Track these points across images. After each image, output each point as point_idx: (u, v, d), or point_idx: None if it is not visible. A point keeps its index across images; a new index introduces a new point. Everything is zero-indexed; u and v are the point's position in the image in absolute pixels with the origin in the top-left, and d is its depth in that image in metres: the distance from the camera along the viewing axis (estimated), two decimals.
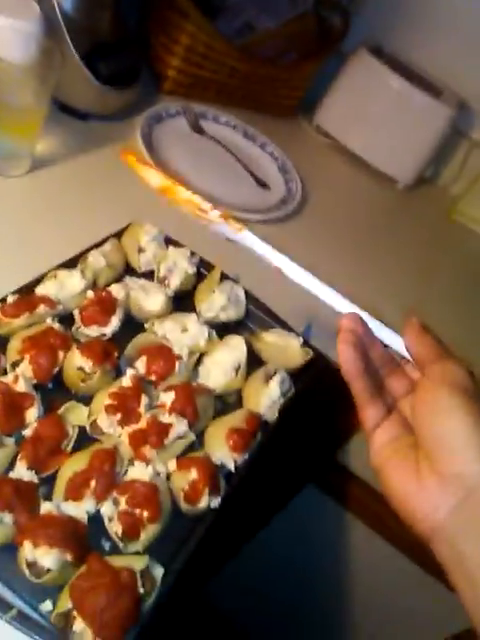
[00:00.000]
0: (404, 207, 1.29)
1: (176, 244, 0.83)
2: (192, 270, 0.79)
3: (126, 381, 0.63)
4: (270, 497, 0.99)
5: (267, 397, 0.70)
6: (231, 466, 0.64)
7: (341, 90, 1.28)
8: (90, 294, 0.69)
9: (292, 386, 0.74)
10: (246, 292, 0.82)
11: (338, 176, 1.28)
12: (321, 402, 0.92)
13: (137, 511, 0.55)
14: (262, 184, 1.11)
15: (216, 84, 1.19)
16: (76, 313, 0.69)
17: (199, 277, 0.82)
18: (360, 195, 1.26)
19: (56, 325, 0.65)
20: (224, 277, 0.82)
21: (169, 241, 0.83)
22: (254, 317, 0.83)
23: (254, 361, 0.76)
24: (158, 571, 0.53)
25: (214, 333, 0.75)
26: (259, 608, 1.28)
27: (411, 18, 1.25)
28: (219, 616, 1.30)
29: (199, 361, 0.73)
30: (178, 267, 0.79)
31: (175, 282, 0.78)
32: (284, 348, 0.78)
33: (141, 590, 0.51)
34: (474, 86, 1.25)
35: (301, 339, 0.78)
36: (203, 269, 0.83)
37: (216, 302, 0.77)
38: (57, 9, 0.90)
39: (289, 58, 1.25)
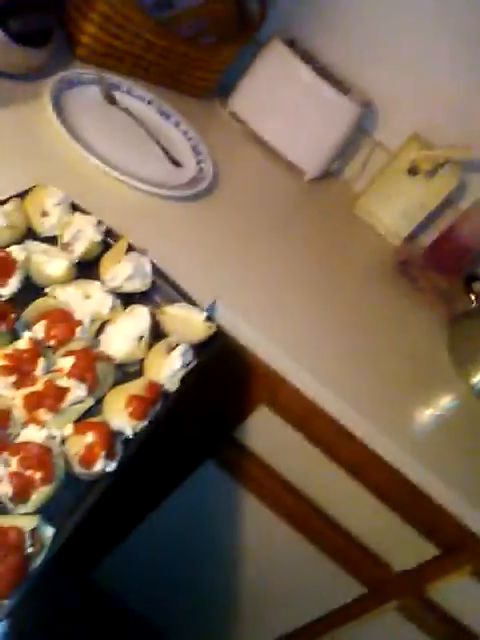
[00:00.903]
0: (310, 198, 1.33)
1: (83, 211, 0.81)
2: (98, 238, 0.78)
3: (23, 343, 0.62)
4: (168, 470, 1.00)
5: (168, 367, 0.71)
6: (129, 432, 0.64)
7: (255, 78, 1.30)
8: None
9: (194, 358, 0.75)
10: (153, 265, 0.82)
11: (250, 162, 1.30)
12: (221, 378, 0.94)
13: (29, 472, 0.54)
14: (174, 161, 1.11)
15: (132, 57, 1.17)
16: None
17: (105, 247, 0.81)
18: (269, 182, 1.29)
19: None
20: (131, 249, 0.82)
21: (75, 208, 0.82)
22: (160, 290, 0.83)
23: (157, 334, 0.77)
24: (48, 531, 0.53)
25: (119, 302, 0.75)
26: (152, 586, 1.29)
27: (325, 15, 1.30)
28: (108, 596, 1.30)
29: (101, 330, 0.72)
30: (84, 234, 0.77)
31: (79, 248, 0.76)
32: (187, 321, 0.79)
33: (30, 549, 0.50)
34: (379, 87, 1.32)
35: (205, 314, 0.80)
36: (110, 239, 0.82)
37: (121, 272, 0.77)
38: None
39: (208, 41, 1.25)
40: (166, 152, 1.10)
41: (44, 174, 0.85)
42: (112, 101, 1.12)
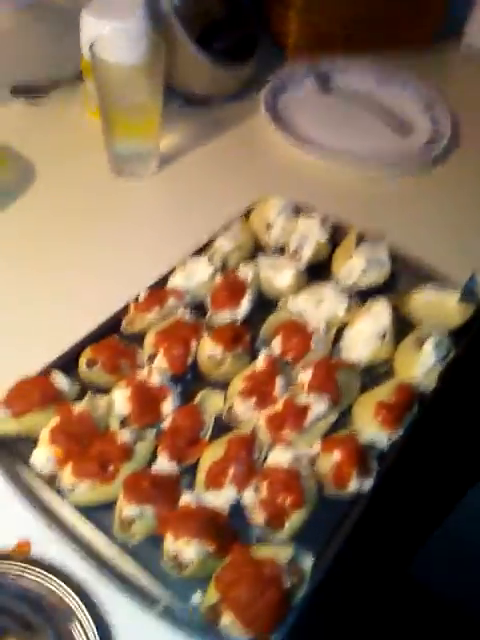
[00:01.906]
0: None
1: (306, 213, 0.78)
2: (325, 238, 0.74)
3: (259, 363, 0.61)
4: (456, 470, 0.89)
5: (420, 364, 0.63)
6: (383, 444, 0.58)
7: None
8: (218, 279, 0.68)
9: (452, 349, 0.65)
10: (390, 251, 0.74)
11: None
12: None
13: (279, 498, 0.52)
14: (404, 130, 1.00)
15: (342, 35, 1.10)
16: (207, 300, 0.68)
17: (335, 243, 0.76)
18: None
19: (186, 315, 0.65)
20: (362, 239, 0.75)
21: (300, 212, 0.79)
22: (402, 277, 0.75)
23: (407, 326, 0.69)
24: (307, 562, 0.50)
25: (355, 301, 0.69)
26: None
27: None
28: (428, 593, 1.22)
29: (341, 334, 0.67)
30: (309, 237, 0.74)
31: (307, 253, 0.73)
32: (439, 307, 0.69)
33: (288, 583, 0.48)
34: None
35: (459, 294, 0.68)
36: (339, 234, 0.77)
37: (355, 267, 0.71)
38: (166, 1, 0.90)
39: None
40: (393, 123, 1.00)
41: (268, 186, 0.85)
42: (328, 88, 1.07)
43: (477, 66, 1.14)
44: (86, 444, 0.55)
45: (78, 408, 0.56)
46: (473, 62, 1.15)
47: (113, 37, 0.78)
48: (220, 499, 0.52)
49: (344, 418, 0.61)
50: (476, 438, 0.91)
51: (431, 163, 0.93)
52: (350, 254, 0.73)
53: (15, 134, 0.89)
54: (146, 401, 0.57)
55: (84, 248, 0.78)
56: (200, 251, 0.73)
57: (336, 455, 0.54)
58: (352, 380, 0.62)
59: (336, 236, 0.76)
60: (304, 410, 0.57)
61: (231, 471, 0.53)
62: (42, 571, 0.51)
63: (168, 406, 0.58)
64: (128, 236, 0.80)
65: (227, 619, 0.47)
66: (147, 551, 0.51)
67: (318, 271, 0.74)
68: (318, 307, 0.67)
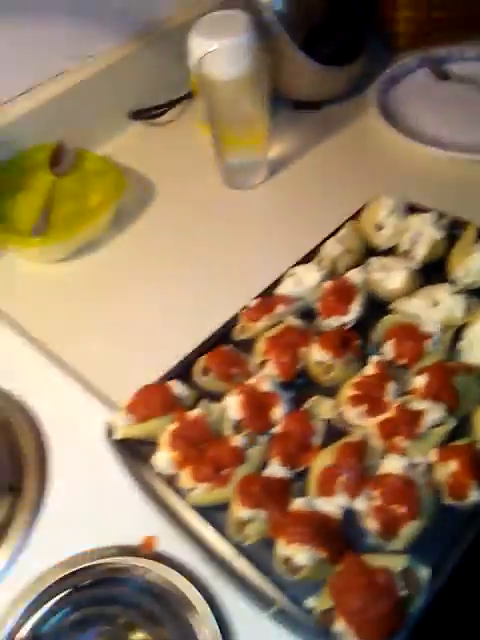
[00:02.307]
0: None
1: (420, 210, 0.75)
2: (440, 235, 0.71)
3: (370, 369, 0.60)
4: None
5: None
6: None
7: None
8: (327, 285, 0.68)
9: None
10: None
11: None
12: None
13: (393, 507, 0.51)
14: None
15: (454, 19, 1.04)
16: (317, 306, 0.68)
17: (452, 240, 0.73)
18: None
19: (295, 322, 0.65)
20: None
21: (413, 209, 0.76)
22: None
23: None
24: (423, 572, 0.48)
25: (474, 301, 0.66)
26: None
27: None
28: None
29: (460, 336, 0.64)
30: (423, 235, 0.71)
31: (421, 252, 0.70)
32: None
33: (403, 592, 0.47)
34: None
35: None
36: (456, 230, 0.73)
37: (474, 265, 0.68)
38: (269, 10, 0.91)
39: None
40: None
41: (382, 185, 0.83)
42: (444, 76, 1.02)
43: None
44: (202, 448, 0.57)
45: (194, 414, 0.59)
46: None
47: (218, 54, 0.81)
48: (331, 505, 0.52)
49: (464, 426, 0.58)
50: None
51: None
52: (468, 251, 0.69)
53: (135, 156, 0.95)
54: (257, 407, 0.59)
55: (199, 260, 0.81)
56: (309, 257, 0.74)
57: (453, 465, 0.52)
58: (472, 385, 0.59)
59: (453, 233, 0.73)
60: (418, 416, 0.55)
61: (342, 478, 0.53)
62: (166, 567, 0.54)
63: (279, 412, 0.59)
64: (240, 245, 0.82)
65: (340, 625, 0.47)
66: (263, 553, 0.52)
67: (434, 271, 0.71)
68: (434, 308, 0.65)
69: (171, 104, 1.01)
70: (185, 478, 0.56)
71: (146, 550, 0.55)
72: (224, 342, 0.66)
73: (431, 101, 0.99)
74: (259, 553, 0.52)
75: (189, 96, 0.98)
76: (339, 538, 0.51)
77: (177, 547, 0.54)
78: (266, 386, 0.60)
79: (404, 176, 0.87)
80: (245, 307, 0.68)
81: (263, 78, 0.79)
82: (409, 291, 0.68)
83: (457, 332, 0.64)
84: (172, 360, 0.65)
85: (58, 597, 0.53)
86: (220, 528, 0.54)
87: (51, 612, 0.52)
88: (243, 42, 0.86)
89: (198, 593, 0.52)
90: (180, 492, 0.56)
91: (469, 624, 0.50)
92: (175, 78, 0.96)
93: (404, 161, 0.89)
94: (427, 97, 1.00)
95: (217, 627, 0.49)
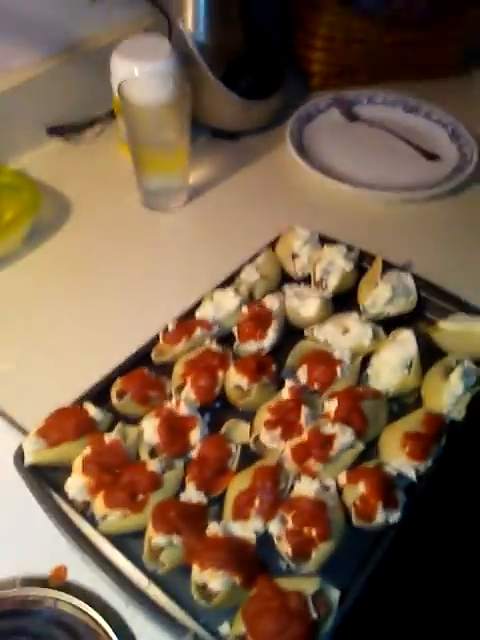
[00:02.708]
0: None
1: (332, 242, 0.79)
2: (350, 267, 0.75)
3: (285, 393, 0.62)
4: None
5: (448, 393, 0.63)
6: (412, 475, 0.58)
7: None
8: (245, 310, 0.69)
9: None
10: (417, 279, 0.75)
11: None
12: None
13: (305, 529, 0.52)
14: (431, 156, 1.01)
15: (366, 65, 1.12)
16: (234, 330, 0.69)
17: (361, 272, 0.77)
18: None
19: (214, 346, 0.66)
20: (388, 267, 0.76)
21: (325, 241, 0.80)
22: (430, 305, 0.75)
23: (436, 354, 0.69)
24: (334, 594, 0.50)
25: (380, 330, 0.70)
26: None
27: None
28: None
29: (367, 363, 0.68)
30: (334, 266, 0.75)
31: (333, 282, 0.74)
32: (468, 336, 0.69)
33: (314, 615, 0.48)
34: None
35: None
36: (365, 263, 0.78)
37: (380, 296, 0.72)
38: (191, 41, 0.94)
39: (445, 12, 1.12)
40: (419, 150, 1.01)
41: (295, 216, 0.86)
42: (353, 118, 1.09)
43: None
44: (117, 473, 0.56)
45: (109, 438, 0.58)
46: None
47: (141, 78, 0.82)
48: (247, 529, 0.53)
49: (372, 448, 0.61)
50: None
51: (458, 190, 0.93)
52: (375, 283, 0.73)
53: (52, 172, 0.93)
54: (174, 431, 0.59)
55: (116, 280, 0.80)
56: (227, 282, 0.75)
57: (361, 487, 0.54)
58: (379, 410, 0.63)
59: (362, 265, 0.77)
60: (330, 440, 0.58)
61: (257, 502, 0.54)
62: (76, 598, 0.52)
63: (196, 435, 0.59)
64: (158, 268, 0.82)
65: None
66: (177, 580, 0.52)
67: (344, 300, 0.75)
68: (344, 336, 0.68)
69: (91, 123, 1.00)
70: (98, 505, 0.55)
71: (56, 580, 0.53)
72: (142, 364, 0.66)
73: (341, 140, 1.05)
74: (173, 581, 0.52)
75: (110, 115, 0.98)
76: (254, 562, 0.52)
77: (88, 576, 0.53)
78: (184, 409, 0.60)
79: (315, 208, 0.92)
80: (164, 329, 0.68)
81: (184, 105, 0.80)
82: (321, 318, 0.71)
83: (365, 359, 0.68)
84: (87, 382, 0.64)
85: None
86: (134, 556, 0.53)
87: None
88: (164, 68, 0.88)
89: (107, 624, 0.51)
90: (93, 519, 0.55)
91: None
92: (97, 96, 0.95)
93: (315, 194, 0.94)
94: (337, 135, 1.06)
95: None
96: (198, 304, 0.72)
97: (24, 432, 0.61)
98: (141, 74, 0.84)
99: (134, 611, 0.51)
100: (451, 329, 0.70)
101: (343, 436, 0.58)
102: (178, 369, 0.65)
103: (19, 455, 0.58)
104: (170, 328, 0.68)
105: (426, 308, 0.74)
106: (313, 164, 0.96)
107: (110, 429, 0.60)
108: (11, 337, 0.73)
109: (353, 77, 1.14)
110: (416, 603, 0.57)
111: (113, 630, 0.50)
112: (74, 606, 0.51)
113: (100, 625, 0.50)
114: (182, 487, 0.57)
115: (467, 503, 0.62)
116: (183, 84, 0.81)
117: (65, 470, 0.57)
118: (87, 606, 0.51)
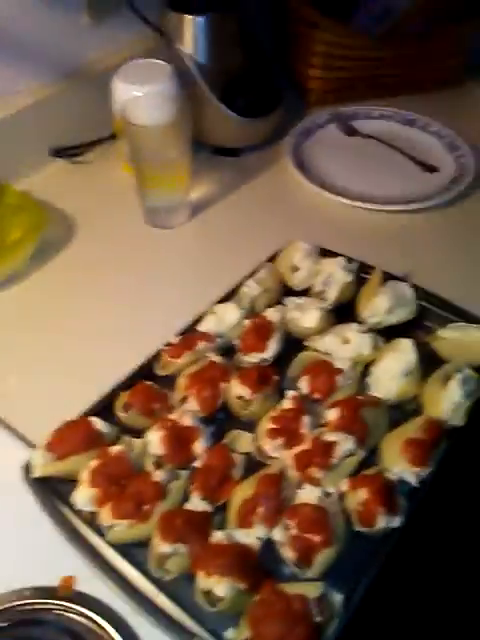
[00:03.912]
0: None
1: (331, 254, 0.80)
2: (349, 278, 0.76)
3: (286, 403, 0.63)
4: None
5: (448, 400, 0.64)
6: (413, 481, 0.58)
7: None
8: (247, 323, 0.71)
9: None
10: (416, 288, 0.76)
11: None
12: None
13: (308, 535, 0.53)
14: (429, 168, 1.03)
15: (363, 80, 1.14)
16: (237, 343, 0.71)
17: (361, 283, 0.78)
18: None
19: (216, 358, 0.68)
20: (388, 277, 0.77)
21: (325, 253, 0.81)
22: (429, 314, 0.76)
23: (436, 362, 0.70)
24: (337, 598, 0.51)
25: (380, 340, 0.71)
26: None
27: None
28: None
29: (368, 372, 0.69)
30: (334, 278, 0.76)
31: (332, 294, 0.75)
32: (466, 344, 0.70)
33: (318, 618, 0.49)
34: None
35: None
36: (364, 274, 0.79)
37: (378, 306, 0.73)
38: (191, 62, 0.96)
39: (441, 26, 1.14)
40: (417, 162, 1.03)
41: (295, 230, 0.88)
42: (352, 132, 1.11)
43: None
44: (123, 484, 0.58)
45: (115, 450, 0.59)
46: None
47: (142, 100, 0.84)
48: (250, 537, 0.54)
49: (373, 456, 0.62)
50: None
51: (456, 201, 0.95)
52: (375, 293, 0.75)
53: (56, 193, 0.96)
54: (179, 442, 0.60)
55: (120, 296, 0.82)
56: (229, 296, 0.77)
57: (362, 493, 0.55)
58: (379, 417, 0.64)
59: (361, 277, 0.79)
60: (331, 448, 0.59)
61: (260, 509, 0.55)
62: (84, 607, 0.53)
63: (200, 446, 0.61)
64: (161, 284, 0.84)
65: None
66: (183, 587, 0.53)
67: (344, 311, 0.76)
68: (344, 346, 0.69)
69: (93, 144, 1.03)
70: (105, 515, 0.56)
71: (65, 591, 0.54)
72: (146, 378, 0.67)
73: (340, 154, 1.07)
74: (180, 588, 0.53)
75: (112, 137, 1.00)
76: (258, 568, 0.53)
77: (96, 585, 0.54)
78: (188, 421, 0.61)
79: (315, 222, 0.93)
80: (167, 343, 0.70)
81: (186, 125, 0.83)
82: (322, 329, 0.72)
83: (365, 368, 0.69)
84: (93, 396, 0.65)
85: None
86: (140, 565, 0.54)
87: None
88: (166, 90, 0.90)
89: (115, 631, 0.52)
90: (100, 530, 0.56)
91: None
92: (98, 119, 0.98)
93: (315, 208, 0.95)
94: (336, 150, 1.08)
95: None
96: (200, 318, 0.74)
97: (31, 446, 0.62)
98: (141, 96, 0.87)
99: (141, 618, 0.52)
100: (450, 337, 0.71)
101: (344, 444, 0.59)
102: (181, 382, 0.66)
103: (27, 468, 0.59)
104: (173, 341, 0.70)
105: (425, 317, 0.76)
106: (312, 179, 0.98)
107: (116, 442, 0.61)
108: (18, 353, 0.75)
109: (351, 92, 1.16)
110: (418, 607, 0.57)
111: (121, 637, 0.51)
112: (82, 614, 0.52)
113: (108, 633, 0.51)
114: (187, 497, 0.58)
115: (468, 508, 0.63)
116: (184, 105, 0.84)
117: (72, 483, 0.58)
118: (95, 614, 0.52)
